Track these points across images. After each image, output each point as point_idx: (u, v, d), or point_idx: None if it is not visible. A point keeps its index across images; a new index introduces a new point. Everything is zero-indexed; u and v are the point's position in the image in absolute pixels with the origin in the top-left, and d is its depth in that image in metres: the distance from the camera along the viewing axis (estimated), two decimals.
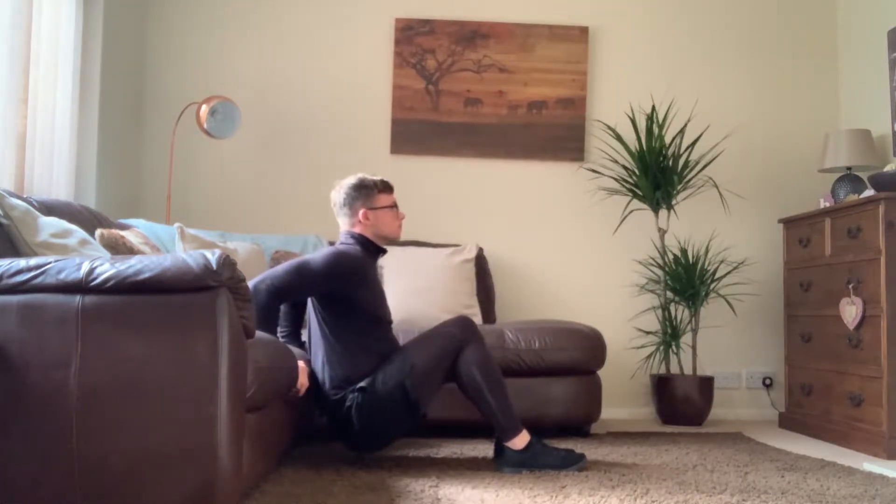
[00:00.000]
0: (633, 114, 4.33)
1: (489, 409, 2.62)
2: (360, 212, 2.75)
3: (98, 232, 2.74)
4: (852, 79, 4.39)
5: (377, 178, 2.81)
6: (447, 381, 2.68)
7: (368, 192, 2.77)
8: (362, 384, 2.61)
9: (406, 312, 3.66)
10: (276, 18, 4.40)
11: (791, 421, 3.91)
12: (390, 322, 2.79)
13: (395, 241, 2.84)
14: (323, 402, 2.69)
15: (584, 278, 4.40)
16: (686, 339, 4.28)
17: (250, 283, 2.57)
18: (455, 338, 2.64)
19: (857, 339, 3.35)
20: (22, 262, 1.83)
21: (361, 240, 2.76)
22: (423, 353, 2.63)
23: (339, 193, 2.79)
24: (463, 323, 2.69)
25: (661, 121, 4.18)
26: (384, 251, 2.83)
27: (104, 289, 1.77)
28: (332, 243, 4.00)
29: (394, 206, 2.81)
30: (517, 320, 3.99)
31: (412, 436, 3.30)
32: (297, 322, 2.87)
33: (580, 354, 3.41)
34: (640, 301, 4.39)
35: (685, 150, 4.18)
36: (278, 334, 2.79)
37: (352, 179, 2.79)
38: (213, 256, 1.80)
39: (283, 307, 2.80)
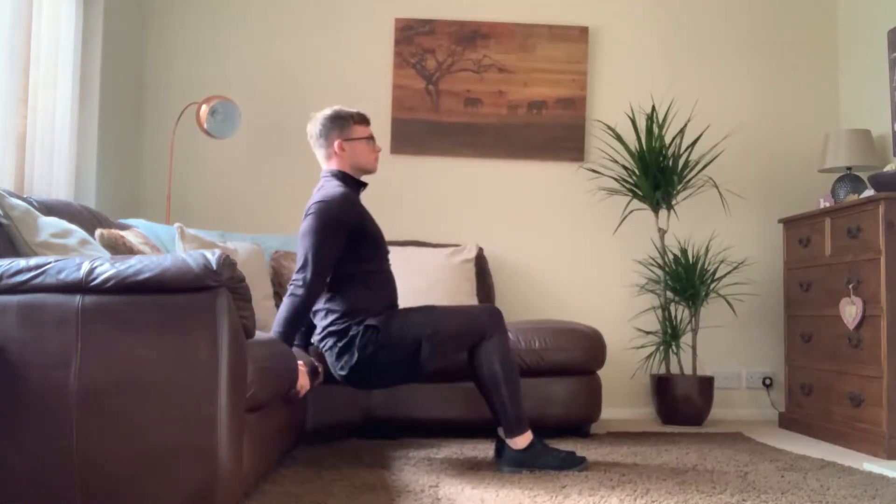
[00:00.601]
0: (633, 114, 4.33)
1: (501, 402, 2.62)
2: (336, 143, 2.76)
3: (98, 232, 2.74)
4: (852, 79, 4.39)
5: (354, 109, 2.82)
6: (458, 355, 2.69)
7: (344, 123, 2.77)
8: (374, 322, 2.61)
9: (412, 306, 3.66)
10: (277, 19, 4.40)
11: (791, 421, 3.91)
12: (388, 251, 2.82)
13: (371, 172, 2.82)
14: (322, 340, 2.70)
15: (584, 278, 4.40)
16: (686, 339, 4.28)
17: (293, 301, 2.57)
18: (483, 324, 2.65)
19: (857, 339, 3.35)
20: (22, 262, 1.83)
21: (340, 175, 2.76)
22: (449, 322, 2.64)
23: (314, 125, 2.80)
24: (493, 313, 2.70)
25: (661, 121, 4.18)
26: (364, 185, 2.83)
27: (104, 289, 1.77)
28: None
29: (370, 137, 2.81)
30: (517, 320, 3.99)
31: (410, 435, 3.30)
32: (311, 328, 2.88)
33: (580, 354, 3.41)
34: (640, 301, 4.39)
35: (685, 150, 4.18)
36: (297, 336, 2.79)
37: (327, 111, 2.80)
38: (213, 256, 1.80)
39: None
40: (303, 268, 2.60)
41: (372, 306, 2.67)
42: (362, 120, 2.82)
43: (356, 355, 2.61)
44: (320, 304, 2.71)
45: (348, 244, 2.66)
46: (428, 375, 2.73)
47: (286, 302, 2.59)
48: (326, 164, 2.80)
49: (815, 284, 3.72)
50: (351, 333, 2.63)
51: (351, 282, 2.68)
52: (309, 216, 2.65)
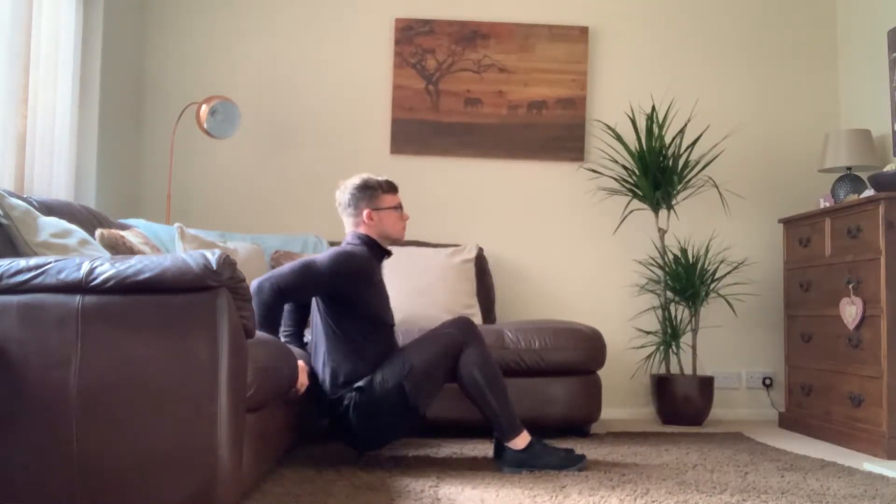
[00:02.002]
0: (633, 114, 4.33)
1: (490, 409, 2.62)
2: (365, 212, 2.75)
3: (98, 232, 2.74)
4: (852, 79, 4.39)
5: (382, 178, 2.81)
6: (448, 381, 2.68)
7: (373, 193, 2.77)
8: (360, 384, 2.60)
9: (406, 312, 3.66)
10: (277, 19, 4.40)
11: (791, 421, 3.91)
12: (393, 325, 2.79)
13: (399, 242, 2.84)
14: (322, 401, 2.69)
15: (584, 278, 4.40)
16: (686, 339, 4.28)
17: (255, 282, 2.58)
18: (455, 339, 2.64)
19: (857, 339, 3.35)
20: (22, 262, 1.83)
21: (367, 241, 2.76)
22: (422, 354, 2.62)
23: (343, 194, 2.79)
24: (463, 323, 2.69)
25: (661, 121, 4.18)
26: (389, 253, 2.83)
27: (104, 289, 1.77)
28: (332, 243, 4.01)
29: (398, 206, 2.81)
30: (517, 320, 3.99)
31: (412, 436, 3.30)
32: (300, 322, 2.87)
33: (580, 354, 3.41)
34: (640, 301, 4.39)
35: (685, 150, 4.18)
36: (281, 334, 2.79)
37: (356, 180, 2.78)
38: (213, 256, 1.80)
39: (287, 307, 2.79)
40: (279, 273, 2.58)
41: (364, 372, 2.63)
42: (391, 189, 2.81)
43: (355, 423, 2.60)
44: (318, 362, 2.69)
45: (343, 305, 2.64)
46: (427, 409, 2.69)
47: (254, 303, 2.53)
48: (354, 230, 2.80)
49: (815, 284, 3.72)
50: (345, 403, 2.61)
51: (349, 346, 2.64)
52: (324, 253, 2.66)
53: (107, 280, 1.77)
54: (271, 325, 2.58)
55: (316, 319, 2.74)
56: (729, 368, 4.39)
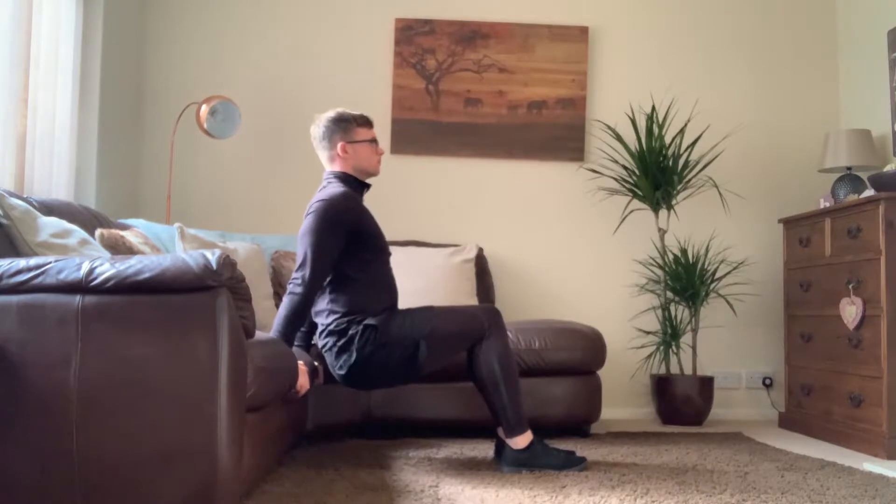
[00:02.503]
0: (633, 114, 4.33)
1: (500, 402, 2.63)
2: (339, 145, 2.76)
3: (98, 232, 2.74)
4: (852, 79, 4.39)
5: (356, 112, 2.82)
6: (455, 355, 2.69)
7: (347, 126, 2.77)
8: (373, 321, 2.61)
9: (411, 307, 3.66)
10: (277, 18, 4.40)
11: (791, 421, 3.91)
12: (390, 253, 2.82)
13: (374, 175, 2.83)
14: (323, 340, 2.70)
15: (584, 278, 4.40)
16: (686, 339, 4.28)
17: (292, 299, 2.57)
18: (481, 324, 2.65)
19: (857, 339, 3.35)
20: (22, 262, 1.83)
21: (343, 177, 2.77)
22: (447, 322, 2.64)
23: (318, 127, 2.80)
24: (492, 313, 2.70)
25: (661, 121, 4.19)
26: (368, 186, 2.84)
27: (104, 289, 1.77)
28: None
29: (373, 140, 2.81)
30: (517, 320, 3.99)
31: (410, 436, 3.30)
32: (312, 328, 2.88)
33: (580, 354, 3.41)
34: (640, 301, 4.39)
35: (685, 150, 4.18)
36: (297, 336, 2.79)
37: (331, 113, 2.80)
38: (213, 256, 1.80)
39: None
40: (301, 266, 2.61)
41: (371, 306, 2.67)
42: (365, 122, 2.82)
43: (354, 355, 2.62)
44: (322, 305, 2.71)
45: (348, 244, 2.66)
46: (426, 376, 2.73)
47: (285, 301, 2.59)
48: (329, 166, 2.81)
49: (815, 284, 3.72)
50: (350, 333, 2.63)
51: (351, 282, 2.68)
52: (309, 215, 2.66)
53: (107, 280, 1.77)
54: (302, 321, 2.62)
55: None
56: (729, 368, 4.39)
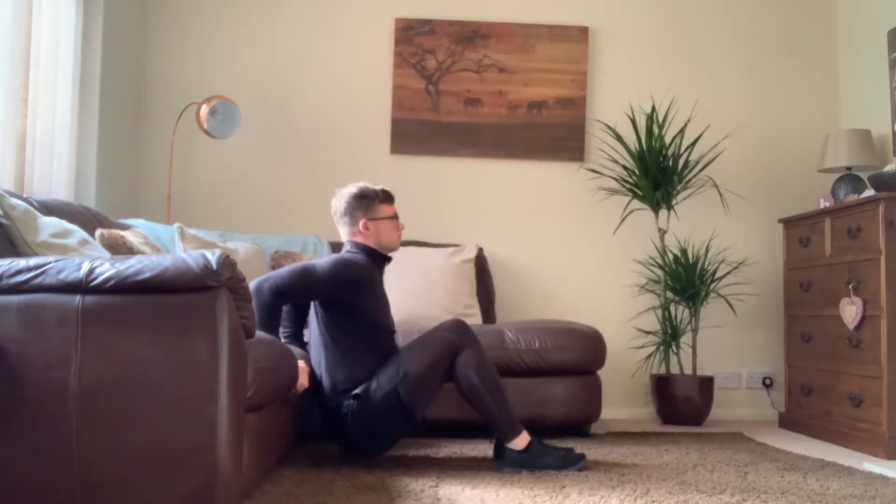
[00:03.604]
0: (633, 114, 4.33)
1: (488, 411, 2.62)
2: (361, 222, 2.75)
3: (98, 232, 2.74)
4: (852, 79, 4.39)
5: (378, 187, 2.79)
6: (445, 382, 2.68)
7: (369, 203, 2.76)
8: (357, 391, 2.61)
9: (406, 312, 3.67)
10: (277, 18, 4.40)
11: (791, 421, 3.91)
12: (393, 332, 2.78)
13: (394, 250, 2.83)
14: (321, 405, 2.70)
15: (584, 278, 4.40)
16: (686, 339, 4.28)
17: (253, 282, 2.58)
18: (450, 342, 2.63)
19: (857, 339, 3.35)
20: (22, 262, 1.83)
21: (366, 249, 2.76)
22: (417, 359, 2.61)
23: (339, 202, 2.78)
24: (457, 326, 2.68)
25: (661, 121, 4.19)
26: (389, 259, 2.82)
27: (104, 289, 1.77)
28: (332, 243, 4.01)
29: (394, 216, 2.80)
30: (517, 320, 3.99)
31: (412, 437, 3.30)
32: (299, 323, 2.87)
33: (580, 354, 3.41)
34: (640, 301, 4.39)
35: (685, 150, 4.18)
36: (280, 334, 2.79)
37: (352, 189, 2.77)
38: (213, 256, 1.80)
39: (285, 308, 2.79)
40: (278, 275, 2.58)
41: (362, 377, 2.63)
42: (387, 198, 2.80)
43: (353, 429, 2.61)
44: (324, 362, 2.69)
45: (343, 308, 2.64)
46: (424, 413, 2.70)
47: (254, 303, 2.55)
48: (350, 239, 2.79)
49: (815, 284, 3.72)
50: (343, 411, 2.62)
51: (348, 353, 2.65)
52: (326, 258, 2.66)
53: (107, 280, 1.77)
54: (271, 325, 2.58)
55: (313, 324, 2.74)
56: (729, 368, 4.39)
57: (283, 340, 2.75)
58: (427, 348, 2.64)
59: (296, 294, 2.63)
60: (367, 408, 2.58)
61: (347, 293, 2.64)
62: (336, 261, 2.65)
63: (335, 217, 2.80)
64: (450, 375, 2.65)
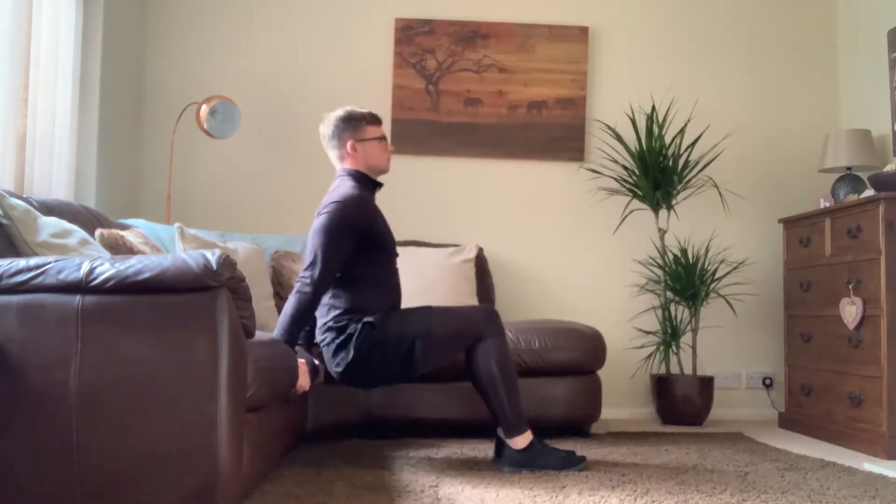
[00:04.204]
0: (633, 114, 4.33)
1: (499, 403, 2.63)
2: (349, 143, 2.77)
3: (98, 232, 2.73)
4: (852, 79, 4.39)
5: (365, 110, 2.83)
6: (454, 357, 2.69)
7: (356, 124, 2.79)
8: (371, 319, 2.62)
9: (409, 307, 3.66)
10: (277, 18, 4.40)
11: (791, 421, 3.91)
12: (397, 255, 2.83)
13: (384, 172, 2.85)
14: (322, 335, 2.71)
15: (584, 278, 4.40)
16: (686, 339, 4.28)
17: (297, 299, 2.57)
18: (479, 325, 2.65)
19: (857, 339, 3.35)
20: (22, 262, 1.83)
21: (356, 175, 2.77)
22: (444, 323, 2.64)
23: (327, 126, 2.81)
24: (491, 314, 2.70)
25: (661, 121, 4.19)
26: (380, 184, 2.84)
27: (104, 289, 1.77)
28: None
29: (382, 137, 2.82)
30: (517, 320, 3.99)
31: (410, 436, 3.30)
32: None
33: (580, 354, 3.41)
34: (640, 301, 4.39)
35: (685, 150, 4.18)
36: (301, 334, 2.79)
37: (339, 112, 2.81)
38: (212, 256, 1.80)
39: None
40: (311, 265, 2.61)
41: (373, 305, 2.68)
42: (374, 120, 2.83)
43: (352, 353, 2.63)
44: (324, 299, 2.71)
45: (358, 245, 2.67)
46: (425, 376, 2.73)
47: (292, 299, 2.59)
48: (339, 164, 2.82)
49: (815, 284, 3.72)
50: (349, 331, 2.64)
51: (356, 281, 2.69)
52: (322, 215, 2.66)
53: (107, 280, 1.77)
54: (303, 323, 2.61)
55: None
56: (729, 368, 4.39)
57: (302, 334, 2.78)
58: (456, 319, 2.67)
59: (334, 270, 2.63)
60: (378, 339, 2.61)
61: (362, 228, 2.66)
62: (334, 211, 2.63)
63: (324, 142, 2.83)
64: (463, 355, 2.66)
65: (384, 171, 2.83)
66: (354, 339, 2.62)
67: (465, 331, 2.65)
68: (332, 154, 2.82)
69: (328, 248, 2.61)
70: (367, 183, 2.78)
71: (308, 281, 2.59)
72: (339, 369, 2.68)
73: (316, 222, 2.66)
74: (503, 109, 4.38)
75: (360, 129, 2.79)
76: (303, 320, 2.60)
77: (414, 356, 2.61)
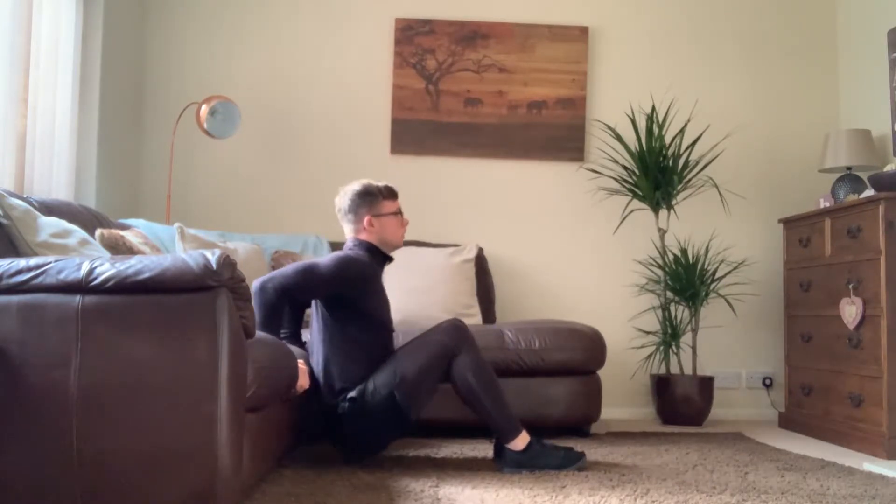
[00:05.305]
0: (633, 114, 4.33)
1: (487, 413, 2.62)
2: (365, 219, 2.75)
3: (98, 232, 2.74)
4: (852, 79, 4.39)
5: (382, 184, 2.80)
6: (441, 383, 2.68)
7: (373, 199, 2.77)
8: (352, 394, 2.61)
9: (406, 312, 3.66)
10: (277, 18, 4.40)
11: (791, 421, 3.91)
12: (392, 331, 2.79)
13: (398, 248, 2.84)
14: (319, 404, 2.70)
15: (584, 278, 4.40)
16: (686, 339, 4.28)
17: (257, 281, 2.58)
18: (446, 347, 2.63)
19: (857, 339, 3.35)
20: (22, 262, 1.83)
21: (369, 247, 2.76)
22: (413, 362, 2.61)
23: (343, 199, 2.78)
24: (454, 329, 2.66)
25: (661, 121, 4.19)
26: (391, 259, 2.83)
27: (104, 289, 1.77)
28: (332, 243, 4.01)
29: (398, 212, 2.80)
30: (517, 320, 3.99)
31: (407, 437, 3.30)
32: (298, 322, 2.87)
33: (580, 354, 3.41)
34: (640, 301, 4.39)
35: (685, 150, 4.18)
36: (280, 335, 2.79)
37: (356, 186, 2.78)
38: (212, 256, 1.80)
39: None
40: (283, 273, 2.58)
41: (357, 376, 2.64)
42: (391, 194, 2.81)
43: (348, 433, 2.62)
44: (320, 364, 2.69)
45: (340, 305, 2.65)
46: (419, 415, 2.70)
47: (257, 300, 2.55)
48: (354, 236, 2.80)
49: (815, 284, 3.72)
50: (339, 412, 2.62)
51: (348, 347, 2.65)
52: (326, 256, 2.67)
53: (107, 280, 1.77)
54: (273, 325, 2.58)
55: (314, 323, 2.74)
56: (729, 368, 4.39)
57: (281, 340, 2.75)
58: (423, 351, 2.64)
59: (301, 292, 2.62)
60: (363, 410, 2.58)
61: (351, 291, 2.65)
62: (339, 258, 2.65)
63: (339, 214, 2.81)
64: (446, 377, 2.65)
65: (398, 246, 2.82)
66: (346, 419, 2.60)
67: (437, 357, 2.62)
68: (347, 227, 2.80)
69: (311, 273, 2.59)
70: (378, 256, 2.77)
71: (277, 280, 2.55)
72: (350, 452, 2.69)
73: (317, 258, 2.68)
74: (503, 109, 4.39)
75: (377, 204, 2.77)
76: (274, 320, 2.58)
77: (400, 408, 2.58)
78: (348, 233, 2.81)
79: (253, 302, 2.52)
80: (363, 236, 2.77)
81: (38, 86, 3.24)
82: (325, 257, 2.68)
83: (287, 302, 2.63)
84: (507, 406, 2.63)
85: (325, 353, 2.67)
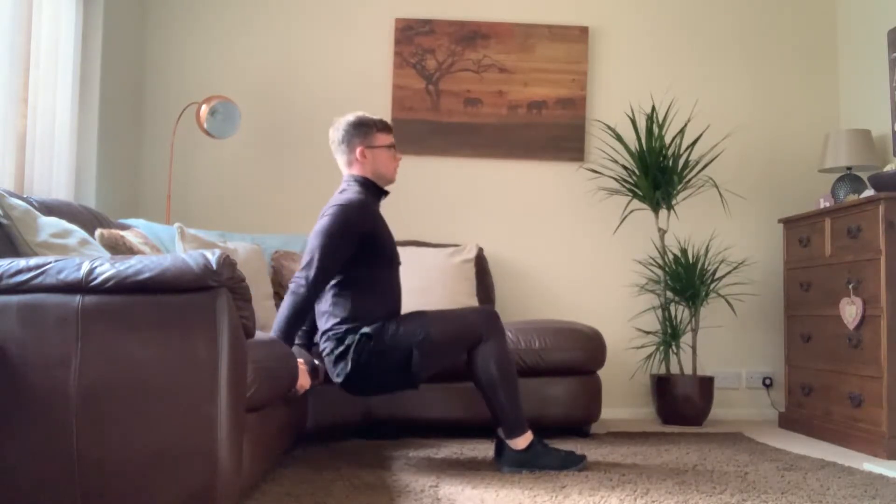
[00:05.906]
0: (632, 114, 4.33)
1: (499, 404, 2.62)
2: (358, 150, 2.76)
3: (98, 232, 2.73)
4: (852, 79, 4.39)
5: (377, 116, 2.82)
6: (455, 361, 2.68)
7: (367, 130, 2.78)
8: (368, 330, 2.61)
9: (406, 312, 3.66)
10: (277, 18, 4.40)
11: (791, 421, 3.91)
12: (399, 263, 2.81)
13: (391, 182, 2.84)
14: (322, 344, 2.71)
15: (584, 278, 4.40)
16: (686, 339, 4.28)
17: (292, 296, 2.57)
18: (476, 329, 2.64)
19: (857, 339, 3.35)
20: (22, 262, 1.83)
21: (363, 182, 2.76)
22: (441, 328, 2.63)
23: (337, 131, 2.80)
24: (489, 315, 2.69)
25: (661, 121, 4.19)
26: (386, 192, 2.84)
27: (104, 289, 1.77)
28: None
29: (392, 145, 2.81)
30: (517, 320, 3.99)
31: (409, 437, 3.30)
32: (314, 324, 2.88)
33: (580, 354, 3.41)
34: (640, 301, 4.39)
35: (685, 150, 4.18)
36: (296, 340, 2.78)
37: (350, 117, 2.80)
38: (213, 256, 1.80)
39: None
40: (307, 266, 2.60)
41: (372, 313, 2.67)
42: (385, 128, 2.81)
43: (350, 364, 2.62)
44: (324, 307, 2.71)
45: (357, 250, 2.66)
46: (423, 381, 2.71)
47: (287, 300, 2.59)
48: (347, 170, 2.81)
49: (815, 284, 3.72)
50: (347, 342, 2.63)
51: (355, 287, 2.68)
52: (324, 217, 2.66)
53: (107, 280, 1.77)
54: (302, 322, 2.61)
55: None
56: (729, 368, 4.39)
57: (298, 336, 2.78)
58: (456, 322, 2.66)
59: (331, 271, 2.62)
60: (376, 350, 2.60)
61: (362, 234, 2.66)
62: (337, 214, 2.63)
63: (333, 146, 2.82)
64: (463, 357, 2.66)
65: (391, 180, 2.83)
66: (352, 350, 2.61)
67: (464, 335, 2.64)
68: (341, 159, 2.81)
69: (326, 250, 2.60)
70: (372, 190, 2.78)
71: (303, 282, 2.58)
72: (340, 379, 2.68)
73: (318, 224, 2.66)
74: (503, 109, 4.39)
75: (371, 135, 2.78)
76: (298, 321, 2.60)
77: (412, 364, 2.60)
78: (341, 165, 2.82)
79: (284, 303, 2.55)
80: (356, 169, 2.78)
81: (38, 86, 3.24)
82: (324, 221, 2.64)
83: (324, 289, 2.65)
84: (520, 403, 2.65)
85: (336, 290, 2.67)
